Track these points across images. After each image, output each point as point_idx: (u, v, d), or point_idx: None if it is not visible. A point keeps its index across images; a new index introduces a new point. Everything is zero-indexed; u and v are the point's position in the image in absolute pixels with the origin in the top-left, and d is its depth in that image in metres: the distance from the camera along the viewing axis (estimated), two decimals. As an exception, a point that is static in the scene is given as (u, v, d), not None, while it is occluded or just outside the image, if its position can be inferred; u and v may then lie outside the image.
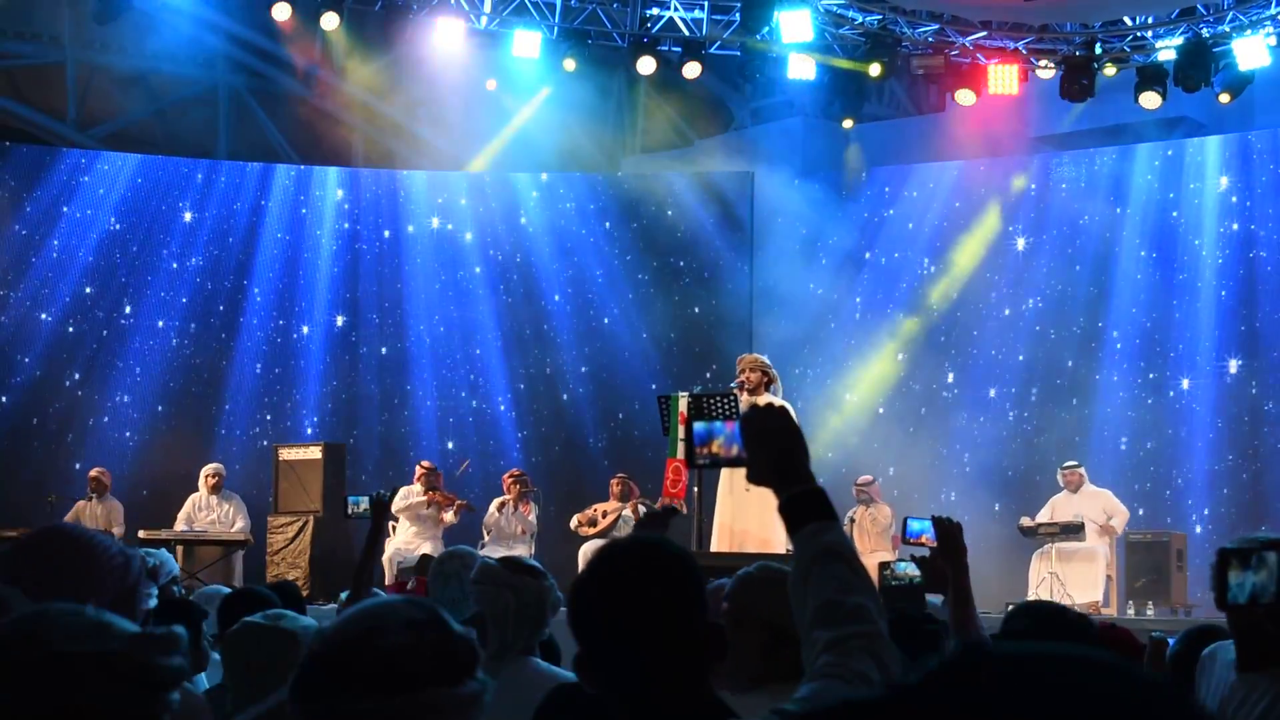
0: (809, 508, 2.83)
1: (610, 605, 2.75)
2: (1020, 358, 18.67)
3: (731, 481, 14.01)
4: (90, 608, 2.31)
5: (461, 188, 20.67)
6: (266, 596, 6.25)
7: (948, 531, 4.84)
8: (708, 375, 18.93)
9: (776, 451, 2.88)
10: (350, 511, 10.81)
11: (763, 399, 13.61)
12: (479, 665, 2.36)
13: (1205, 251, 17.91)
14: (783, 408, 2.95)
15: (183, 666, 2.27)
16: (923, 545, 5.22)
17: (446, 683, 2.30)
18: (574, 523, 16.76)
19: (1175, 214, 18.22)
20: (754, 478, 2.90)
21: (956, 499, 17.98)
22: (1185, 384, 17.82)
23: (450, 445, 19.93)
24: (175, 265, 19.88)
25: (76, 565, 3.02)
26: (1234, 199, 17.94)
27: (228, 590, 7.20)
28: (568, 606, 2.85)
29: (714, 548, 13.73)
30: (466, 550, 5.78)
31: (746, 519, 13.62)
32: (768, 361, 14.42)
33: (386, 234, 20.60)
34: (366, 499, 8.28)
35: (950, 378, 18.99)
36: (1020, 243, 19.00)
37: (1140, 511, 17.18)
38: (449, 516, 16.53)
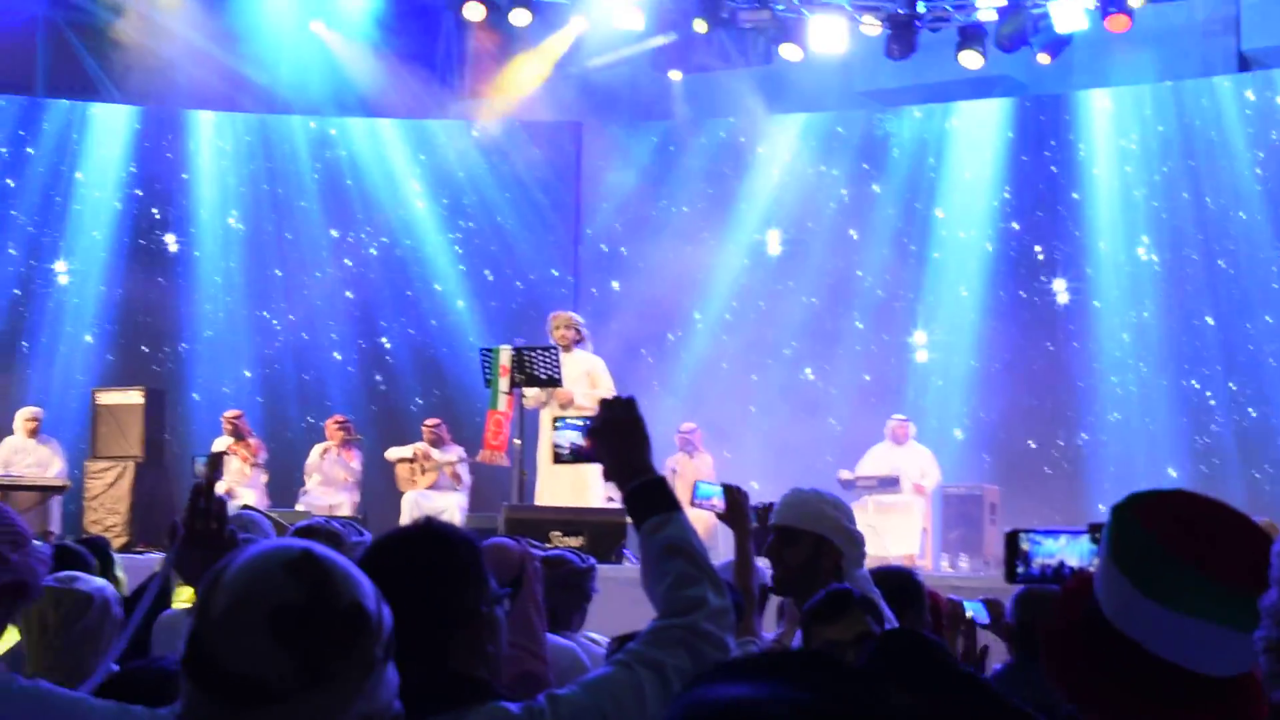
0: (650, 500, 2.98)
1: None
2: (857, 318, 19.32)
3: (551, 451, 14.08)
4: None
5: (287, 130, 20.72)
6: (79, 553, 6.22)
7: (734, 500, 5.01)
8: (529, 320, 19.06)
9: (618, 447, 3.03)
10: (195, 472, 10.93)
11: (573, 354, 14.46)
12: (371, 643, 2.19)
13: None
14: (629, 400, 3.09)
15: None
16: (713, 507, 5.40)
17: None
18: (392, 455, 16.88)
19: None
20: (606, 474, 3.09)
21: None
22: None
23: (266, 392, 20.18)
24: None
25: None
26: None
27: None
28: None
29: (537, 498, 14.30)
30: (249, 516, 5.80)
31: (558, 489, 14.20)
32: (580, 319, 15.01)
33: (211, 177, 20.52)
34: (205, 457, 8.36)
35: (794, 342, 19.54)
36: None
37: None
38: (246, 466, 16.68)
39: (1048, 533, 3.88)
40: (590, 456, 3.24)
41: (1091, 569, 2.69)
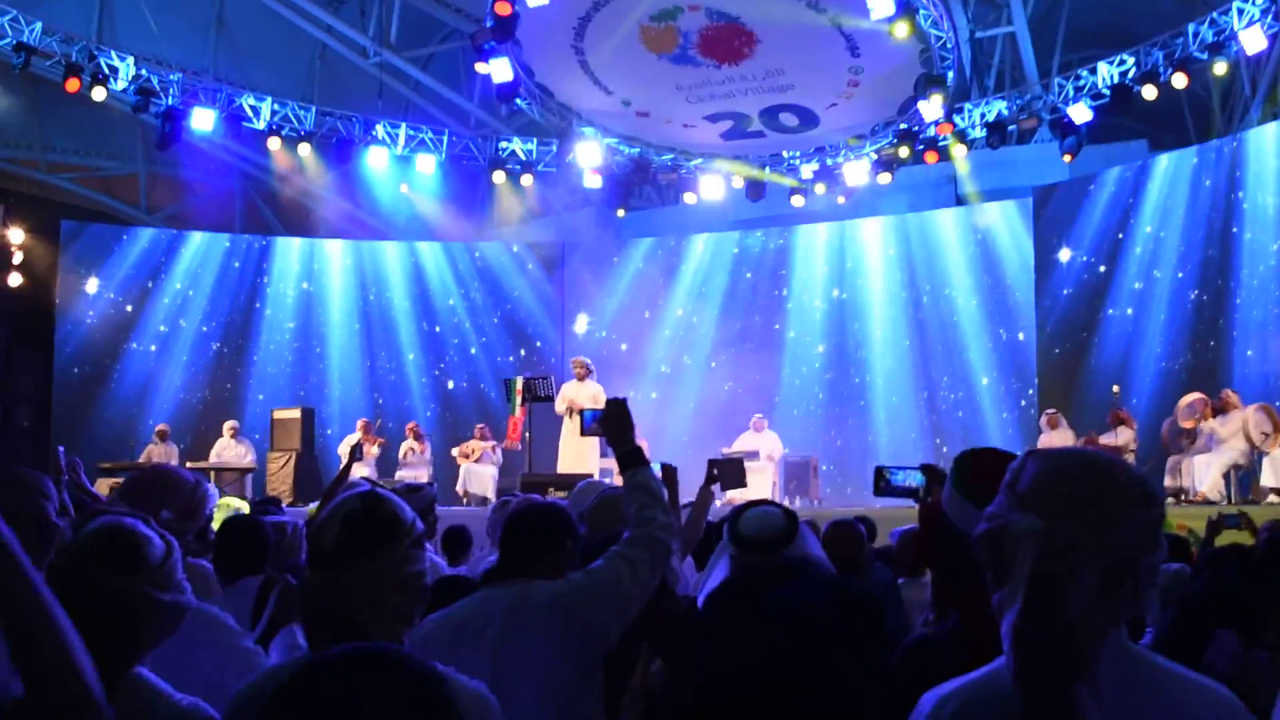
0: (631, 459, 4.10)
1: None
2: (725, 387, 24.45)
3: (572, 429, 17.17)
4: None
5: (383, 249, 25.75)
6: (273, 499, 9.89)
7: (667, 474, 5.70)
8: (534, 361, 24.42)
9: (614, 427, 4.20)
10: (340, 454, 16.10)
11: (587, 385, 17.57)
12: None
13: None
14: (622, 400, 4.25)
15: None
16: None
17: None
18: (455, 451, 21.07)
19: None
20: (609, 443, 4.17)
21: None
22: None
23: (379, 404, 25.20)
24: (210, 305, 24.99)
25: (163, 487, 4.14)
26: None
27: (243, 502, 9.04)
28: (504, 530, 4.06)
29: (559, 468, 16.98)
30: (358, 482, 6.25)
31: (580, 450, 17.17)
32: (589, 360, 18.20)
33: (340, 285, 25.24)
34: (349, 448, 9.94)
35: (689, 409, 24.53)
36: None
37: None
38: (374, 450, 20.81)
39: (898, 468, 4.55)
40: (599, 432, 4.29)
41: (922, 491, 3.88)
